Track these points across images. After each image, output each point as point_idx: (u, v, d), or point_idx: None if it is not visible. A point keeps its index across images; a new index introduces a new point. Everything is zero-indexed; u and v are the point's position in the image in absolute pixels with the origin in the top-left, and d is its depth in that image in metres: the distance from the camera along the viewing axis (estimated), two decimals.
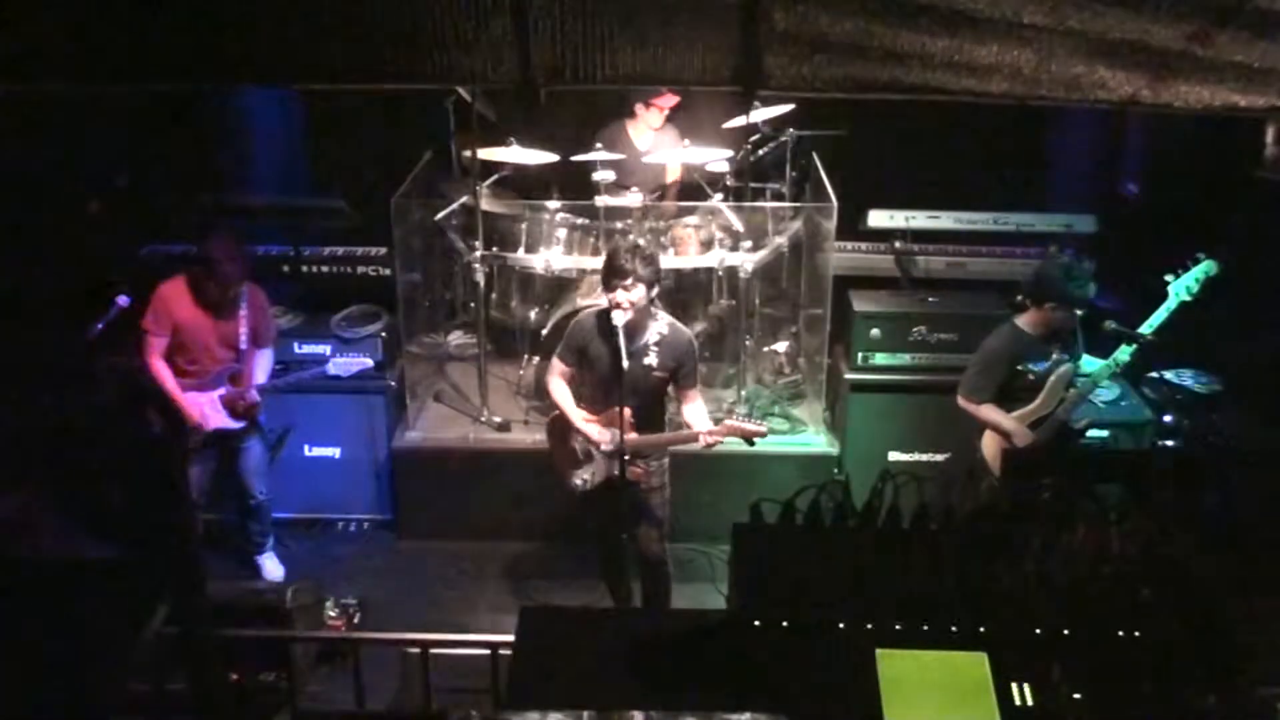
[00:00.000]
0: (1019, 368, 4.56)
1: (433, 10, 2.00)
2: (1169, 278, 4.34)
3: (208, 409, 4.96)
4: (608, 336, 4.33)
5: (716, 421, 4.43)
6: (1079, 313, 4.54)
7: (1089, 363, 4.63)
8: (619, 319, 4.22)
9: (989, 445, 4.69)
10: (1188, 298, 4.31)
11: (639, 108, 6.23)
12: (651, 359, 4.39)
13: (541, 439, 5.69)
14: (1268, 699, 2.46)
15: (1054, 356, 4.55)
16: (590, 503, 4.69)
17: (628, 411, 4.37)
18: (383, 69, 2.08)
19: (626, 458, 4.39)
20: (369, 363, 5.36)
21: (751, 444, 4.37)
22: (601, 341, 4.40)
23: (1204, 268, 4.30)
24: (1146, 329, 4.34)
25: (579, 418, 4.50)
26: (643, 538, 4.70)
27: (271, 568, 5.50)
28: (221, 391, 4.97)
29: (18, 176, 5.50)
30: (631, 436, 4.40)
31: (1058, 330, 4.56)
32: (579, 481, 4.62)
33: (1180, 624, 2.42)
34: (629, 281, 4.22)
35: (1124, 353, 4.40)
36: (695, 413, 4.49)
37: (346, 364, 5.26)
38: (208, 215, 5.86)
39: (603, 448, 4.44)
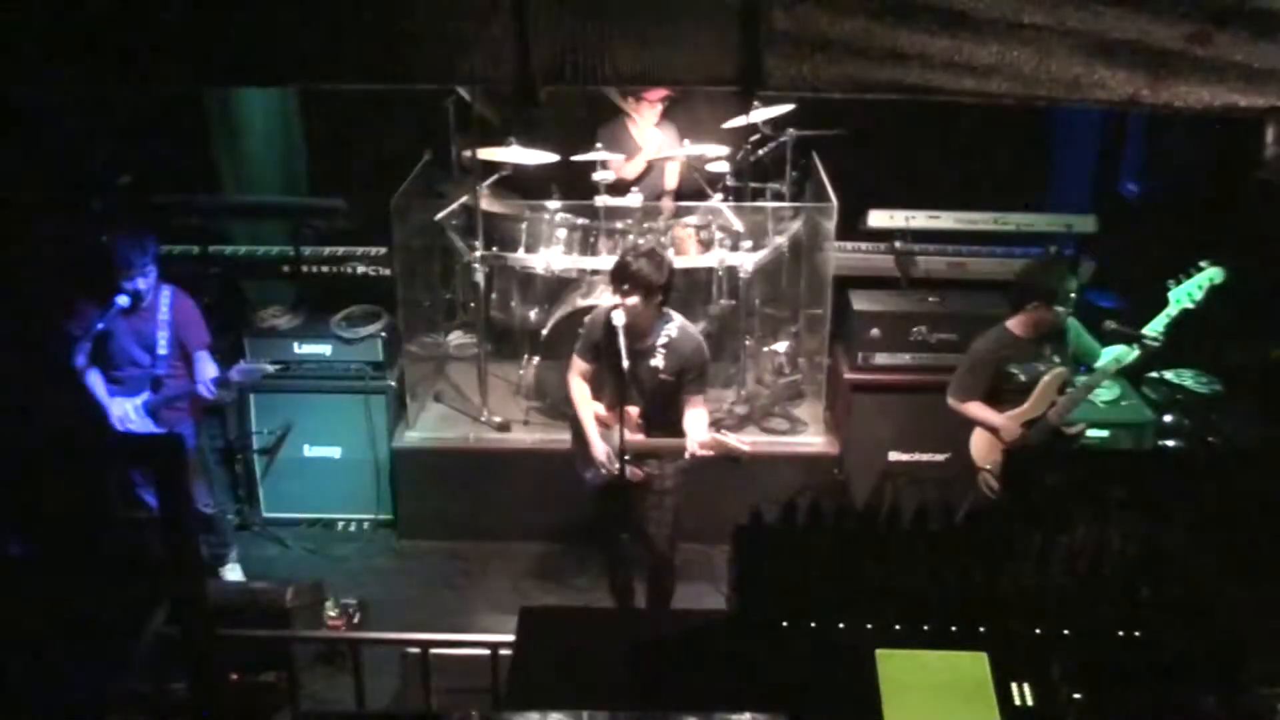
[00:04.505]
0: (1008, 370, 4.56)
1: (433, 10, 2.00)
2: (1170, 284, 4.28)
3: (131, 413, 4.85)
4: (616, 335, 4.33)
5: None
6: (1062, 309, 4.49)
7: (1107, 352, 4.53)
8: (618, 319, 4.24)
9: (978, 443, 4.69)
10: (1190, 304, 4.23)
11: (630, 102, 6.22)
12: (658, 360, 4.38)
13: (542, 439, 5.75)
14: (1268, 699, 2.46)
15: (1044, 360, 4.54)
16: (600, 498, 4.67)
17: (636, 411, 4.37)
18: (383, 69, 2.08)
19: (629, 458, 4.38)
20: (269, 368, 5.09)
21: (737, 462, 4.31)
22: (612, 339, 4.41)
23: (1207, 275, 4.22)
24: (1148, 332, 4.31)
25: (590, 423, 4.50)
26: (653, 538, 4.68)
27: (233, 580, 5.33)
28: (146, 397, 4.87)
29: (17, 177, 5.49)
30: (638, 438, 4.40)
31: (1046, 332, 4.55)
32: (589, 474, 4.61)
33: (1180, 624, 2.42)
34: (630, 284, 4.23)
35: (1127, 354, 4.37)
36: (693, 422, 4.41)
37: (246, 369, 4.96)
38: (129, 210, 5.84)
39: (598, 458, 4.43)
